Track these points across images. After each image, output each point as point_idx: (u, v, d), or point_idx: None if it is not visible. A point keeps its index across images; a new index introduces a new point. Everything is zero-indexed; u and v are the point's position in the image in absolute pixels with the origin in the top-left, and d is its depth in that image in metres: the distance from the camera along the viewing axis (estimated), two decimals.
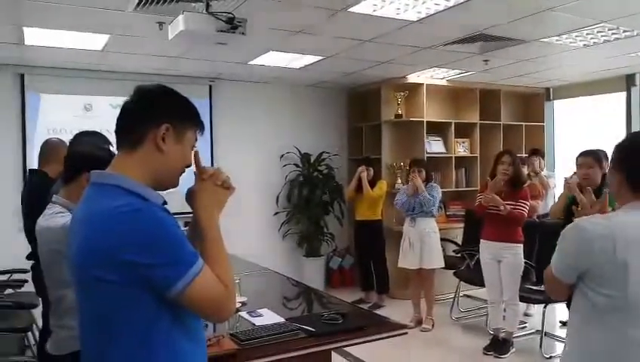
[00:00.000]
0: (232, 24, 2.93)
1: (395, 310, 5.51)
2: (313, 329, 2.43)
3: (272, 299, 3.26)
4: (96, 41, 4.39)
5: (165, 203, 1.34)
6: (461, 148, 6.77)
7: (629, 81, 6.36)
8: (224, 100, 6.27)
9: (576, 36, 4.48)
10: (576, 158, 3.66)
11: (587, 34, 4.42)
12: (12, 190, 5.19)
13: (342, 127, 7.06)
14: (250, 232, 6.22)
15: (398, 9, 3.65)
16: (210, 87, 6.19)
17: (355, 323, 2.58)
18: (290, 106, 6.67)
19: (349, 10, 3.60)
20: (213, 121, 6.19)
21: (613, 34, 4.43)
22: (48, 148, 3.48)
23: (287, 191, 6.58)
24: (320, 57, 5.09)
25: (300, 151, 6.58)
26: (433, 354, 4.64)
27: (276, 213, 6.52)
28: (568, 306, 3.85)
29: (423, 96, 6.37)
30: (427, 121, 6.38)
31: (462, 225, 6.20)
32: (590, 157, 3.58)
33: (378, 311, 5.50)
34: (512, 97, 7.16)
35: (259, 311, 2.76)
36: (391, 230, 6.07)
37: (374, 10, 3.66)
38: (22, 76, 5.33)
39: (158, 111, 1.33)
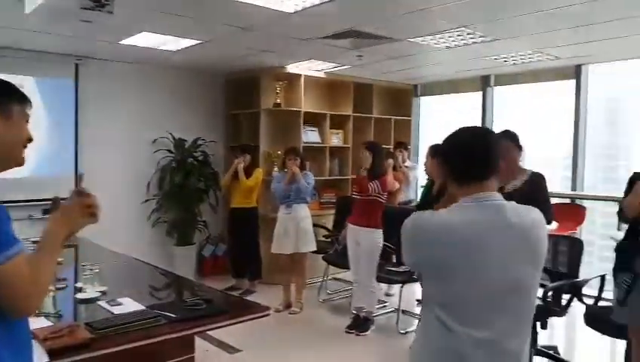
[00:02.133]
0: (98, 2, 2.80)
1: (266, 295, 5.61)
2: (174, 316, 2.43)
3: (135, 288, 3.17)
4: None
5: None
6: (335, 139, 7.03)
7: (484, 81, 7.01)
8: (92, 80, 5.90)
9: (440, 38, 4.84)
10: None
11: (449, 37, 4.80)
12: None
13: (220, 114, 6.98)
14: (116, 220, 5.95)
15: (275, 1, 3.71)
16: (77, 65, 5.80)
17: (218, 307, 2.62)
18: (164, 90, 6.45)
19: None
20: (80, 101, 5.82)
21: (471, 38, 4.84)
22: None
23: (159, 177, 6.39)
24: (197, 41, 4.99)
25: (173, 137, 6.41)
26: (299, 335, 4.81)
27: (146, 201, 6.31)
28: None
29: (301, 87, 6.51)
30: (304, 112, 6.54)
31: (334, 211, 6.48)
32: (429, 150, 3.93)
33: (250, 297, 5.60)
34: (383, 92, 7.55)
35: (119, 300, 2.69)
36: (266, 217, 6.16)
37: None
38: None
39: None
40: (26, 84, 5.27)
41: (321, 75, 6.72)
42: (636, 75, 6.07)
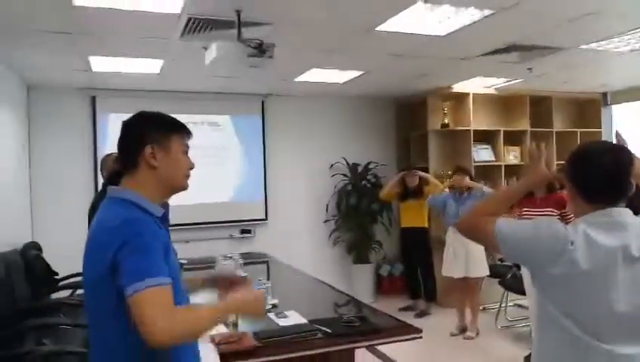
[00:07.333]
0: (261, 49, 3.20)
1: (441, 318, 5.57)
2: (329, 331, 2.62)
3: (302, 302, 3.45)
4: (153, 66, 4.82)
5: (165, 215, 1.58)
6: (512, 156, 6.71)
7: None
8: (275, 115, 6.61)
9: (619, 42, 4.40)
10: None
11: (629, 39, 4.34)
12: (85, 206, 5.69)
13: (389, 137, 7.20)
14: (301, 240, 6.52)
15: (425, 26, 3.80)
16: (263, 102, 6.54)
17: (371, 325, 2.73)
18: (338, 118, 6.91)
19: (377, 29, 3.79)
20: (266, 134, 6.55)
21: None
22: (102, 161, 3.93)
23: (336, 200, 6.80)
24: (360, 72, 5.30)
25: (347, 162, 6.79)
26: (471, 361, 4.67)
27: (326, 221, 6.75)
28: None
29: (469, 105, 6.40)
30: (474, 130, 6.40)
31: None
32: None
33: (425, 319, 5.62)
34: (565, 103, 7.02)
35: (286, 312, 2.96)
36: (438, 238, 6.12)
37: (402, 28, 3.83)
38: (93, 98, 5.89)
39: (139, 138, 1.55)
40: (223, 121, 6.29)
41: (491, 91, 6.51)
42: None
